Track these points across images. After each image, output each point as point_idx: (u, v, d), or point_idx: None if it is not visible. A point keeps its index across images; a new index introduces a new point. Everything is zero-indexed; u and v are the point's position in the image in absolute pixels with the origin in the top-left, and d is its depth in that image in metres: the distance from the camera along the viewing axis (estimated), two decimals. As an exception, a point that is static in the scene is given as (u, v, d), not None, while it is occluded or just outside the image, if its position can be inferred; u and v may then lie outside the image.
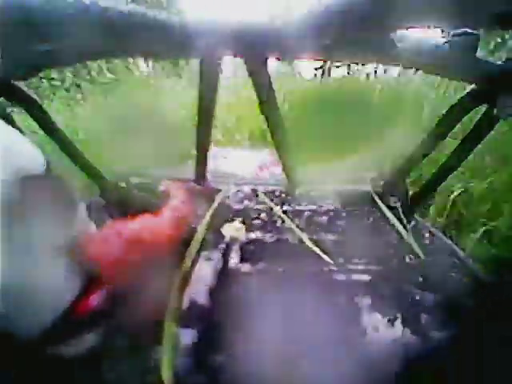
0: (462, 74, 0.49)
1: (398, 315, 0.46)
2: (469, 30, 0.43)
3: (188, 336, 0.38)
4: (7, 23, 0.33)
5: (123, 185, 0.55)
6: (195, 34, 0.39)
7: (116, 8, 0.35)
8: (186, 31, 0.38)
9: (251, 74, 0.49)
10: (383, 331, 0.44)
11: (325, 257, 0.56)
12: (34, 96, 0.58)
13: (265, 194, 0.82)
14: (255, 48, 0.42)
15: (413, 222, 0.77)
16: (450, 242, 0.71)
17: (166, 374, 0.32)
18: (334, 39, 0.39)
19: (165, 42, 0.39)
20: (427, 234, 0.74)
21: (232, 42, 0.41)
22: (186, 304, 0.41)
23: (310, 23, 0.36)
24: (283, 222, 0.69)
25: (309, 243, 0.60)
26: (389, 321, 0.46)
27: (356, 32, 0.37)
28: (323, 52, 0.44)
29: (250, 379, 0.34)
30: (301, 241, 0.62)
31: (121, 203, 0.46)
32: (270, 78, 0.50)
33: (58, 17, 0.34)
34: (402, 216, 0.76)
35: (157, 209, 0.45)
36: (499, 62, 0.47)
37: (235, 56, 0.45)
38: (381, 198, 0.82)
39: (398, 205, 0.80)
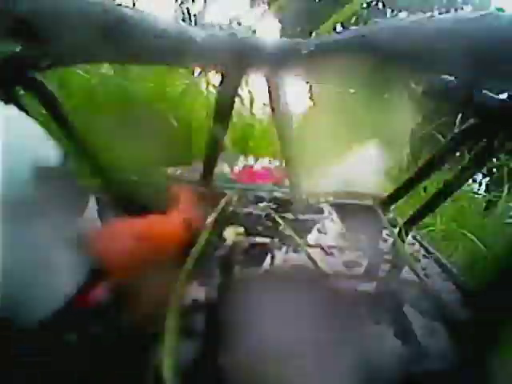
0: (461, 107, 0.52)
1: (391, 326, 0.47)
2: None
3: (189, 335, 0.38)
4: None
5: (133, 183, 0.56)
6: (218, 45, 0.40)
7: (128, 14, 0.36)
8: (208, 42, 0.40)
9: (269, 90, 0.51)
10: (375, 340, 0.45)
11: (322, 265, 0.57)
12: (50, 87, 0.58)
13: (268, 200, 0.83)
14: (274, 65, 0.44)
15: (410, 237, 0.79)
16: (439, 255, 0.73)
17: (167, 371, 0.32)
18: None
19: (184, 51, 0.41)
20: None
21: (250, 58, 0.43)
22: (187, 304, 0.41)
23: (323, 49, 0.39)
24: (284, 228, 0.71)
25: (308, 251, 0.61)
26: (381, 330, 0.47)
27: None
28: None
29: (252, 379, 0.34)
30: (300, 248, 0.63)
31: (129, 201, 0.47)
32: (284, 95, 0.53)
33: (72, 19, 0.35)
34: (402, 231, 0.78)
35: (165, 209, 0.46)
36: (500, 97, 0.50)
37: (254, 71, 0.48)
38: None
39: (397, 221, 0.83)
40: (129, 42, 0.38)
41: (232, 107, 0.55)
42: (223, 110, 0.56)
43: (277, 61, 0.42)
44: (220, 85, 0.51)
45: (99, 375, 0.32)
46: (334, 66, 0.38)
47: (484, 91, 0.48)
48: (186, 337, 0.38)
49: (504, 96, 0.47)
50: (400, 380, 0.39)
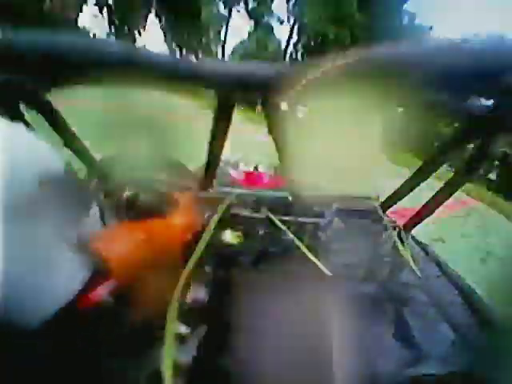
0: (455, 112, 0.53)
1: (391, 327, 0.47)
2: None
3: (189, 335, 0.39)
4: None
5: (134, 188, 0.57)
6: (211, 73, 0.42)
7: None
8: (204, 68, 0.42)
9: (265, 114, 0.53)
10: (377, 343, 0.45)
11: (323, 268, 0.58)
12: (53, 103, 0.61)
13: (267, 204, 0.84)
14: (270, 91, 0.45)
15: (409, 239, 0.79)
16: (441, 260, 0.73)
17: (167, 372, 0.33)
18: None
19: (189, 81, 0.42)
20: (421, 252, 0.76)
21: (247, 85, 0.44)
22: (188, 305, 0.43)
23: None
24: (284, 231, 0.71)
25: (308, 254, 0.62)
26: (382, 333, 0.47)
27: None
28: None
29: (251, 379, 0.35)
30: (300, 251, 0.63)
31: (131, 206, 0.48)
32: (284, 118, 0.54)
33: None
34: (402, 234, 0.78)
35: (166, 214, 0.47)
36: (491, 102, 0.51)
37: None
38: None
39: (396, 224, 0.83)
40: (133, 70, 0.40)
41: (232, 113, 0.57)
42: (223, 116, 0.58)
43: (278, 86, 0.43)
44: (216, 110, 0.53)
45: (100, 375, 0.33)
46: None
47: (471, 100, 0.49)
48: (186, 337, 0.39)
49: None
50: (400, 382, 0.39)
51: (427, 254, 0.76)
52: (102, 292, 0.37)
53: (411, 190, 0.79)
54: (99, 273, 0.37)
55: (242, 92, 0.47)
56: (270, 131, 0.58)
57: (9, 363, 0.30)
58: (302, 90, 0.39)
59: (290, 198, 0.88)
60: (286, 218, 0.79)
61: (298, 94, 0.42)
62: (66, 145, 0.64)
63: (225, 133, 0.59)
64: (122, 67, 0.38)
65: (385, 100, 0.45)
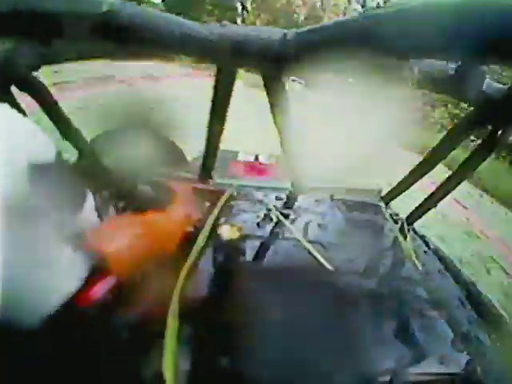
0: (466, 95, 0.50)
1: (396, 325, 0.47)
2: None
3: (190, 333, 0.38)
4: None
5: (131, 181, 0.56)
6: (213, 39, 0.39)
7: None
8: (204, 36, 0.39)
9: (267, 87, 0.50)
10: (380, 339, 0.44)
11: (325, 262, 0.57)
12: (45, 84, 0.58)
13: (268, 195, 0.83)
14: (271, 61, 0.42)
15: (412, 232, 0.79)
16: (446, 254, 0.72)
17: (168, 370, 0.32)
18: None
19: (187, 46, 0.40)
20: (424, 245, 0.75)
21: (245, 53, 0.41)
22: (188, 301, 0.41)
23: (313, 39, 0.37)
24: (285, 225, 0.70)
25: (309, 247, 0.61)
26: (386, 329, 0.46)
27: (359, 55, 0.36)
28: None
29: (252, 377, 0.34)
30: (301, 245, 0.62)
31: (128, 198, 0.47)
32: (286, 93, 0.51)
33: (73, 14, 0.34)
34: (405, 227, 0.77)
35: (163, 207, 0.46)
36: (504, 86, 0.49)
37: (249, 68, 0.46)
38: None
39: (399, 217, 0.82)
40: (127, 38, 0.37)
41: (228, 102, 0.55)
42: (220, 106, 0.56)
43: (272, 55, 0.40)
44: (215, 80, 0.50)
45: (99, 374, 0.32)
46: (336, 57, 0.36)
47: (486, 79, 0.47)
48: (187, 336, 0.38)
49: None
50: (400, 380, 0.38)
51: (429, 247, 0.75)
52: (101, 290, 0.36)
53: (416, 181, 0.77)
54: (98, 270, 0.36)
55: (243, 60, 0.44)
56: (273, 112, 0.56)
57: (8, 363, 0.29)
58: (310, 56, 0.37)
59: (292, 190, 0.87)
60: (287, 211, 0.78)
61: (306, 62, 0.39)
62: (57, 127, 0.62)
63: (225, 111, 0.57)
64: (107, 32, 0.35)
65: (388, 73, 0.43)
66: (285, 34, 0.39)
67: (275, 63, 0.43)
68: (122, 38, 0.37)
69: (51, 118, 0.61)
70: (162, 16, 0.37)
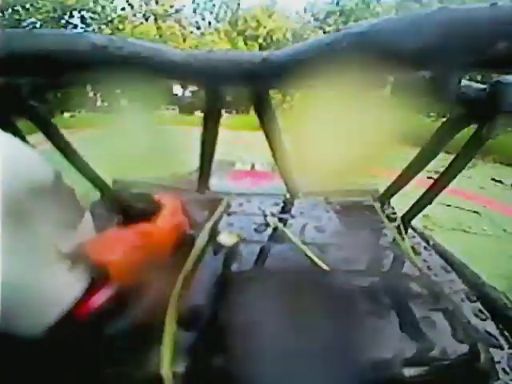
0: (445, 98, 0.51)
1: (394, 324, 0.47)
2: None
3: (188, 337, 0.39)
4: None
5: (123, 194, 0.58)
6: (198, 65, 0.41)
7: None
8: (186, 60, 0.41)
9: (254, 106, 0.52)
10: (379, 338, 0.44)
11: (322, 264, 0.58)
12: (45, 111, 0.61)
13: (264, 202, 0.84)
14: (255, 80, 0.44)
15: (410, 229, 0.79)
16: (446, 248, 0.72)
17: (166, 374, 0.33)
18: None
19: (172, 73, 0.42)
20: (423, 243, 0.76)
21: (230, 75, 0.42)
22: (186, 306, 0.42)
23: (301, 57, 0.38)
24: (282, 230, 0.71)
25: (307, 251, 0.61)
26: (384, 328, 0.46)
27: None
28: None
29: (250, 380, 0.35)
30: (299, 249, 0.63)
31: (120, 211, 0.48)
32: (273, 110, 0.53)
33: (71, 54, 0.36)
34: (401, 226, 0.78)
35: (151, 217, 0.48)
36: (484, 86, 0.50)
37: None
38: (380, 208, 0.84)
39: (396, 215, 0.83)
40: (116, 70, 0.39)
41: (220, 114, 0.56)
42: (212, 119, 0.58)
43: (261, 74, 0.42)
44: (205, 102, 0.52)
45: (98, 375, 0.33)
46: (330, 71, 0.37)
47: (467, 81, 0.49)
48: (185, 341, 0.39)
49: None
50: (404, 375, 0.39)
51: (428, 243, 0.75)
52: (101, 299, 0.36)
53: (411, 179, 0.78)
54: (96, 280, 0.37)
55: (229, 83, 0.46)
56: (263, 126, 0.58)
57: (8, 371, 0.30)
58: (293, 75, 0.38)
59: (288, 196, 0.88)
60: (284, 216, 0.79)
61: (289, 81, 0.41)
62: (60, 151, 0.64)
63: (216, 127, 0.59)
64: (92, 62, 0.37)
65: (376, 81, 0.44)
66: (267, 55, 0.41)
67: (259, 83, 0.45)
68: (111, 71, 0.39)
69: (53, 144, 0.63)
70: (150, 46, 0.40)
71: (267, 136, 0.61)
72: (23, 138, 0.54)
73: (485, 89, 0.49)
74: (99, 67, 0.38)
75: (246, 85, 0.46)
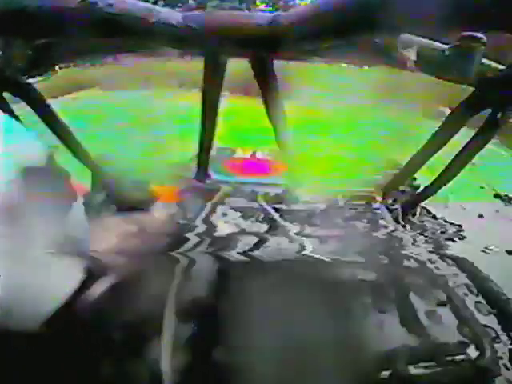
0: (463, 76, 0.49)
1: (394, 315, 0.46)
2: (474, 34, 0.43)
3: (187, 331, 0.38)
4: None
5: (119, 182, 0.56)
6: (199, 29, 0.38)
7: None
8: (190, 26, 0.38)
9: (256, 74, 0.49)
10: (378, 330, 0.44)
11: (320, 256, 0.57)
12: (36, 88, 0.58)
13: (263, 193, 0.83)
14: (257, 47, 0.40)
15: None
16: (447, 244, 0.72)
17: (165, 368, 0.32)
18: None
19: (168, 36, 0.38)
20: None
21: (233, 41, 0.39)
22: (185, 298, 0.41)
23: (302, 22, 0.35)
24: (279, 220, 0.70)
25: (305, 242, 0.60)
26: (383, 320, 0.46)
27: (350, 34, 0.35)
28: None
29: (250, 375, 0.34)
30: (296, 239, 0.62)
31: (116, 200, 0.47)
32: (276, 79, 0.50)
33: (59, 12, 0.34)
34: (401, 218, 0.76)
35: (146, 207, 0.47)
36: (502, 66, 0.47)
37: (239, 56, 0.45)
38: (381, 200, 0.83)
39: (397, 207, 0.81)
40: (105, 30, 0.36)
41: (219, 97, 0.54)
42: (211, 101, 0.55)
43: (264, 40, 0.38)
44: (204, 74, 0.49)
45: (97, 375, 0.32)
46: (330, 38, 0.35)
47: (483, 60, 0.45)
48: (184, 335, 0.38)
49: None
50: (405, 369, 0.38)
51: (428, 235, 0.75)
52: (97, 291, 0.36)
53: (419, 168, 0.76)
54: (93, 271, 0.36)
55: (231, 47, 0.41)
56: (264, 97, 0.54)
57: (6, 365, 0.30)
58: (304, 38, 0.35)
59: (288, 187, 0.86)
60: (283, 207, 0.78)
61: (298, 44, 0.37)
62: (51, 129, 0.62)
63: (216, 106, 0.56)
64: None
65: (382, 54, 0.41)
66: (274, 16, 0.37)
67: (265, 49, 0.41)
68: (100, 30, 0.36)
69: (44, 121, 0.61)
70: (141, 5, 0.36)
71: (269, 114, 0.58)
72: (16, 117, 0.52)
73: (506, 70, 0.46)
74: (87, 27, 0.34)
75: (251, 49, 0.41)
